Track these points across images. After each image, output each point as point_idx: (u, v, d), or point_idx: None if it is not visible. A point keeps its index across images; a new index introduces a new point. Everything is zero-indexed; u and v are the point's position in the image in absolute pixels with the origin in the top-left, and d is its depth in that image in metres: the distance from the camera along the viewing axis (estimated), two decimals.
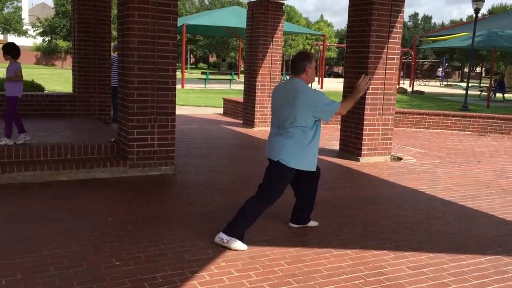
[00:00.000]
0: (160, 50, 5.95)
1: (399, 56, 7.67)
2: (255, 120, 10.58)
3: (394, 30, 7.47)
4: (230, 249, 3.84)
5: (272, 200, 4.00)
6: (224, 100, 13.56)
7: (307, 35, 57.72)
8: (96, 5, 8.75)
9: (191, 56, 73.44)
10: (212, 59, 77.16)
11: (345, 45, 8.27)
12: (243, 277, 3.41)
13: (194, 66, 70.97)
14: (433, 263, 3.79)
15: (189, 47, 63.51)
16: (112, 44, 9.54)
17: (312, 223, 4.52)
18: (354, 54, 7.59)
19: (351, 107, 4.28)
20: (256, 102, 10.51)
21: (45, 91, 10.96)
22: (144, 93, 5.94)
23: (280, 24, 10.45)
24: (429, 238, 4.37)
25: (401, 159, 8.00)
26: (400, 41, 7.63)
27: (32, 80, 11.53)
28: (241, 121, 11.31)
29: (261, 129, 10.51)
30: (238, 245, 3.87)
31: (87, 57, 8.82)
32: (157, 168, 6.16)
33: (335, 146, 8.43)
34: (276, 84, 10.57)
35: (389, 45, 7.46)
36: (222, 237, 3.90)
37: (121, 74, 6.16)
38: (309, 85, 4.07)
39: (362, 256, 3.87)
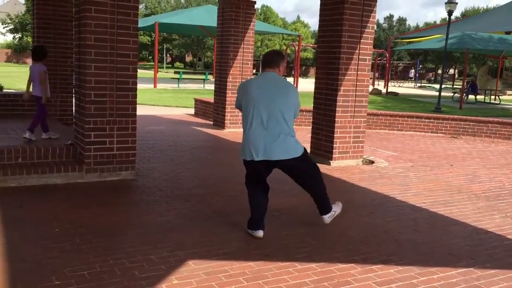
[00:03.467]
0: (119, 48, 5.61)
1: (371, 57, 7.48)
2: (226, 122, 10.28)
3: (366, 30, 7.27)
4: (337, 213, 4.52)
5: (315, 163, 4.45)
6: (195, 100, 13.22)
7: (284, 35, 57.63)
8: (57, 0, 8.32)
9: (168, 55, 72.64)
10: (189, 58, 76.42)
11: None
12: None
13: (170, 65, 70.17)
14: (402, 277, 3.56)
15: (165, 46, 62.83)
16: None
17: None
18: (325, 54, 7.37)
19: None
20: (226, 103, 10.21)
21: (3, 90, 10.44)
22: (102, 93, 5.59)
23: (252, 23, 10.18)
24: (398, 249, 4.15)
25: (373, 162, 7.81)
26: (372, 41, 7.44)
27: None
28: (212, 122, 10.99)
29: (232, 131, 10.22)
30: (338, 207, 4.59)
31: (48, 54, 8.35)
32: (116, 173, 5.81)
33: (307, 149, 8.19)
34: None
35: (361, 46, 7.26)
36: (327, 218, 4.44)
37: (77, 73, 5.79)
38: None
39: (328, 270, 3.61)
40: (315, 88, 7.62)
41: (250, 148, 4.04)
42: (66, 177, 5.53)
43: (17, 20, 56.36)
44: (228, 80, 10.12)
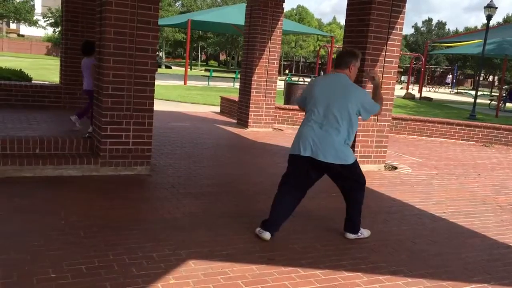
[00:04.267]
0: (138, 42, 5.59)
1: (398, 60, 7.25)
2: (249, 121, 10.20)
3: (393, 31, 7.05)
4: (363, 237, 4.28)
5: (365, 182, 4.24)
6: (222, 98, 13.19)
7: (319, 36, 57.17)
8: None
9: (202, 53, 73.26)
10: (223, 56, 76.88)
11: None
12: None
13: (204, 63, 70.73)
14: None
15: (200, 44, 63.34)
16: None
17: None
18: None
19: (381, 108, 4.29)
20: (250, 102, 10.13)
21: (32, 81, 10.66)
22: (120, 87, 5.58)
23: (279, 22, 10.06)
24: (410, 259, 3.97)
25: (396, 168, 7.58)
26: (400, 44, 7.22)
27: (20, 70, 11.21)
28: (236, 121, 10.93)
29: (254, 130, 10.13)
30: (366, 232, 4.35)
31: (75, 48, 8.48)
32: (131, 167, 5.81)
33: None
34: (273, 84, 10.24)
35: (387, 47, 7.05)
36: (351, 236, 4.26)
37: (97, 66, 5.80)
38: None
39: (331, 278, 3.48)
40: None
41: (299, 142, 4.02)
42: (81, 170, 5.56)
43: (57, 14, 57.85)
44: (253, 79, 10.03)
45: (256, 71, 10.02)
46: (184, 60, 61.35)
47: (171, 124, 10.07)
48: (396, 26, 7.05)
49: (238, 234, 4.16)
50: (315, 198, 5.42)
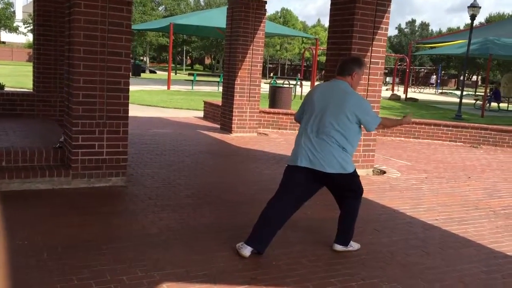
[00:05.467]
0: (111, 46, 5.26)
1: (383, 61, 7.01)
2: (233, 126, 9.89)
3: (379, 31, 6.81)
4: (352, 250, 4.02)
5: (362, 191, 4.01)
6: (205, 103, 12.86)
7: (304, 39, 57.12)
8: None
9: (187, 57, 72.77)
10: (208, 60, 76.46)
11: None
12: None
13: (190, 67, 70.27)
14: None
15: (185, 48, 62.87)
16: None
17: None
18: (334, 57, 6.91)
19: (386, 128, 4.03)
20: (234, 106, 9.82)
21: (5, 89, 10.22)
22: (92, 94, 5.24)
23: (262, 24, 9.77)
24: (403, 273, 3.69)
25: (384, 172, 7.33)
26: (385, 44, 6.98)
27: None
28: (219, 126, 10.62)
29: (238, 135, 9.82)
30: (356, 245, 4.08)
31: (48, 53, 8.11)
32: (105, 179, 5.46)
33: None
34: (256, 87, 9.95)
35: (373, 48, 6.80)
36: (339, 247, 4.00)
37: (66, 72, 5.46)
38: None
39: None
40: None
41: (296, 152, 3.82)
42: (51, 183, 5.20)
43: None
44: (236, 82, 9.73)
45: (239, 74, 9.73)
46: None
47: (152, 131, 9.73)
48: (381, 25, 6.81)
49: (218, 251, 3.84)
50: (300, 207, 5.12)
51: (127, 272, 3.34)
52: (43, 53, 8.10)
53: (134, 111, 13.50)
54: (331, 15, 7.05)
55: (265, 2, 9.80)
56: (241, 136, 9.75)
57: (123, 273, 3.33)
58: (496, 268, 3.92)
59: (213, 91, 24.02)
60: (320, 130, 3.72)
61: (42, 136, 6.54)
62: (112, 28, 5.24)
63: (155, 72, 45.63)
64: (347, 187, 3.90)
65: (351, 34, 6.66)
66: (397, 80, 39.53)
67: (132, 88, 24.13)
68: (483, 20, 60.35)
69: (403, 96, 28.60)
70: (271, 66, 66.39)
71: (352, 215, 4.00)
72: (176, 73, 47.75)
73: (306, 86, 30.89)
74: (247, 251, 3.72)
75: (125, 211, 4.72)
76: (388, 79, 50.34)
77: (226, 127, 10.12)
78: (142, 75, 37.29)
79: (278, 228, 3.86)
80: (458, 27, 69.20)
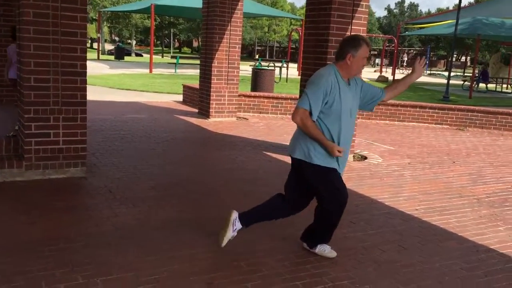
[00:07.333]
0: (64, 25, 4.82)
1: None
2: (211, 110, 9.48)
3: (359, 9, 6.41)
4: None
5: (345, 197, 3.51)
6: (184, 86, 12.41)
7: (292, 20, 56.37)
8: None
9: (175, 40, 71.63)
10: (196, 43, 75.40)
11: None
12: None
13: (177, 50, 69.25)
14: None
15: (172, 31, 61.79)
16: None
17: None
18: (313, 36, 6.53)
19: (394, 97, 3.69)
20: (211, 90, 9.40)
21: None
22: (44, 78, 4.82)
23: (240, 3, 9.31)
24: (377, 273, 3.37)
25: (365, 158, 7.00)
26: (366, 22, 6.58)
27: None
28: (197, 111, 10.21)
29: (217, 120, 9.43)
30: (331, 253, 3.60)
31: (9, 35, 7.60)
32: (62, 170, 5.06)
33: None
34: (235, 70, 9.53)
35: (352, 27, 6.40)
36: (305, 246, 3.66)
37: (18, 54, 5.02)
38: (353, 78, 3.41)
39: None
40: (302, 74, 6.80)
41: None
42: (1, 175, 4.79)
43: None
44: (213, 65, 9.30)
45: (216, 56, 9.29)
46: (156, 48, 59.89)
47: (126, 116, 9.29)
48: (361, 3, 6.41)
49: (174, 250, 3.49)
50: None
51: (67, 279, 2.97)
52: (4, 35, 7.61)
53: (111, 95, 13.07)
54: None
55: None
56: (219, 121, 9.36)
57: (62, 280, 2.96)
58: (477, 264, 3.62)
59: (196, 74, 23.43)
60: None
61: None
62: (66, 6, 4.79)
63: (141, 55, 44.77)
64: (314, 188, 3.41)
65: (329, 12, 6.26)
66: (385, 61, 39.16)
67: (113, 71, 23.55)
68: (472, 1, 59.87)
69: (390, 77, 28.25)
70: (259, 48, 65.64)
71: (322, 223, 3.53)
72: (163, 56, 46.92)
73: (293, 69, 30.42)
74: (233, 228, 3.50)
75: (80, 206, 4.34)
76: (377, 60, 49.97)
77: (204, 112, 9.72)
78: (127, 58, 36.51)
79: (266, 214, 3.61)
80: (447, 7, 68.71)
